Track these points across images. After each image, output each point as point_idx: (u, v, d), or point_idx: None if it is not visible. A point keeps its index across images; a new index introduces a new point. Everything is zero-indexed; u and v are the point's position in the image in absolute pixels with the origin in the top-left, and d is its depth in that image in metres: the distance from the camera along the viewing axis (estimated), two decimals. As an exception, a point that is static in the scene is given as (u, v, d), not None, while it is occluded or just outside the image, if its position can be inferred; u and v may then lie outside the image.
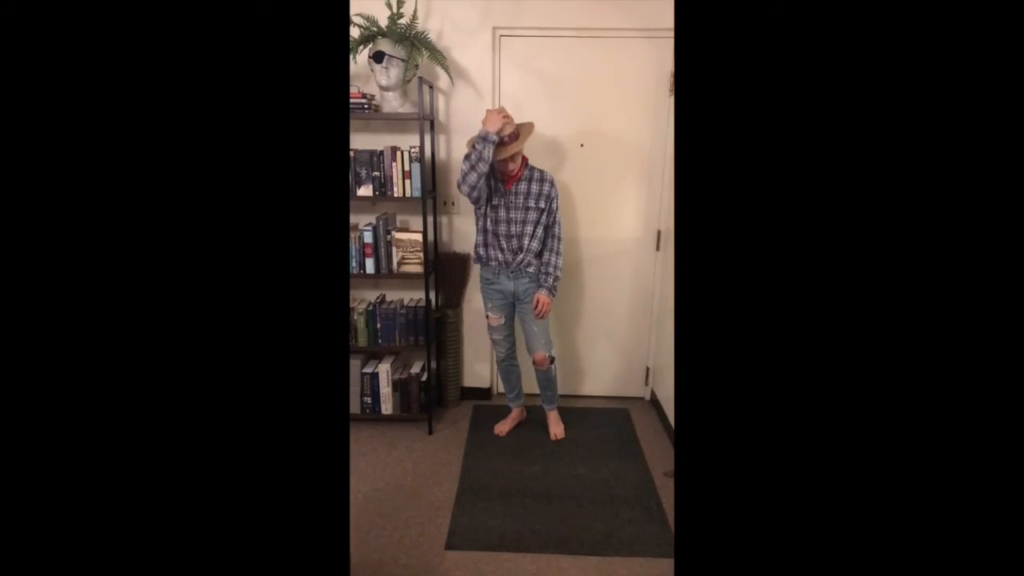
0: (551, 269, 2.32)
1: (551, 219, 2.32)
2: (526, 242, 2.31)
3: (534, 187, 2.29)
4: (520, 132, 2.21)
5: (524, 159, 2.29)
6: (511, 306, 2.42)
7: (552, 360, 2.45)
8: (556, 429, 2.57)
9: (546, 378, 2.50)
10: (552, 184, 2.30)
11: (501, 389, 2.96)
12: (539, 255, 2.34)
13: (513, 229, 2.30)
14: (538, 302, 2.30)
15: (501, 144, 2.14)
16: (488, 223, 2.32)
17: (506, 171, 2.23)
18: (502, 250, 2.33)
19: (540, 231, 2.32)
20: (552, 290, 2.32)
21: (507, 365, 2.56)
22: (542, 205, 2.29)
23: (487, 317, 2.47)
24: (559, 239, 2.34)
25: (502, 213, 2.29)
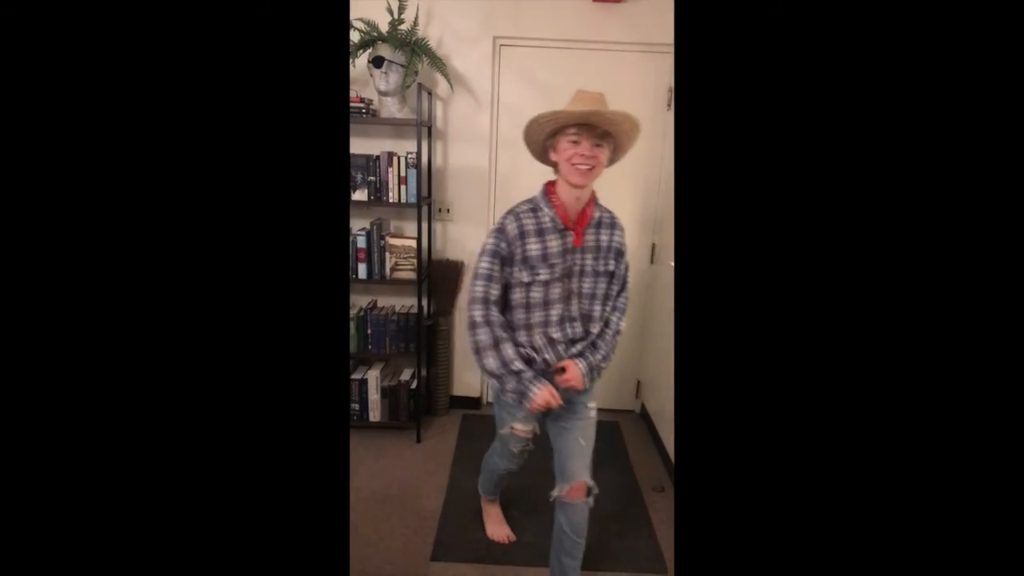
0: (606, 339, 1.50)
1: (621, 285, 1.52)
2: (594, 325, 1.48)
3: (604, 236, 1.45)
4: (616, 130, 1.35)
5: (592, 191, 1.45)
6: (543, 414, 1.54)
7: (590, 491, 1.50)
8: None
9: (580, 521, 1.51)
10: (623, 231, 1.51)
11: (492, 398, 2.94)
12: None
13: (574, 309, 1.45)
14: (567, 369, 1.43)
15: (586, 129, 1.32)
16: (528, 303, 1.43)
17: (578, 185, 1.36)
18: (551, 343, 1.45)
19: (606, 304, 1.50)
20: (595, 370, 1.48)
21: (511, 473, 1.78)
22: (611, 267, 1.47)
23: (511, 430, 1.55)
24: (624, 311, 1.54)
25: (555, 291, 1.42)
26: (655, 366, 2.69)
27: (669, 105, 2.54)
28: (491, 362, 1.39)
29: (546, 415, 1.53)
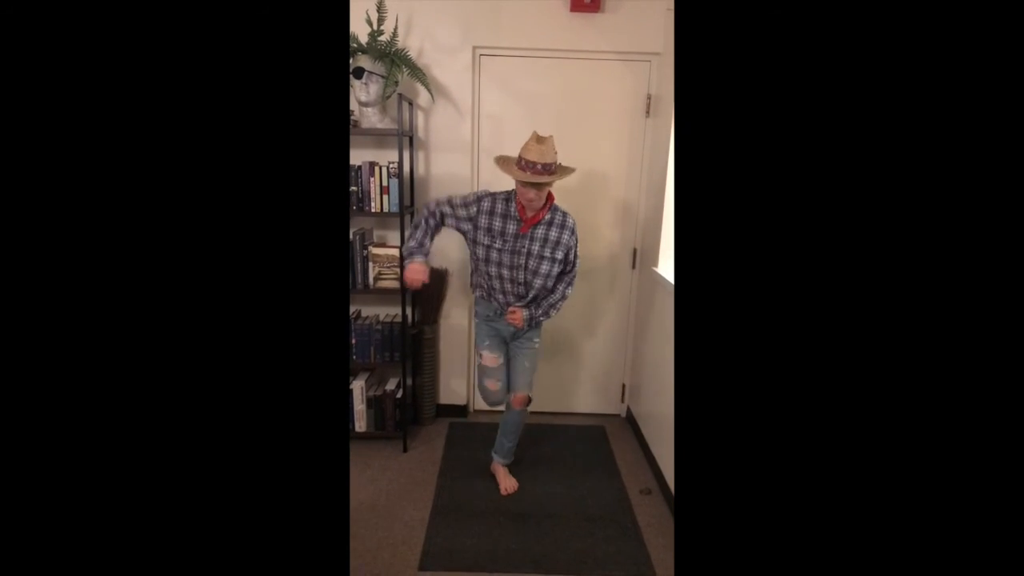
0: (551, 301, 2.03)
1: (568, 267, 2.03)
2: (535, 291, 2.00)
3: (553, 233, 1.93)
4: (558, 169, 1.87)
5: (551, 196, 1.95)
6: (506, 344, 2.16)
7: (529, 401, 2.22)
8: (508, 483, 2.28)
9: (516, 422, 2.24)
10: (573, 232, 1.97)
11: (478, 406, 2.94)
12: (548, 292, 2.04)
13: (520, 276, 1.96)
14: (514, 312, 1.99)
15: (533, 171, 1.81)
16: (488, 258, 1.96)
17: (528, 206, 1.88)
18: (504, 292, 2.02)
19: (551, 281, 2.00)
20: (534, 320, 2.03)
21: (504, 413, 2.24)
22: (559, 256, 1.95)
23: (480, 357, 2.14)
24: (572, 284, 2.06)
25: (506, 258, 1.93)
26: (640, 370, 2.71)
27: (647, 112, 2.58)
28: (416, 235, 1.99)
29: (506, 343, 2.15)
